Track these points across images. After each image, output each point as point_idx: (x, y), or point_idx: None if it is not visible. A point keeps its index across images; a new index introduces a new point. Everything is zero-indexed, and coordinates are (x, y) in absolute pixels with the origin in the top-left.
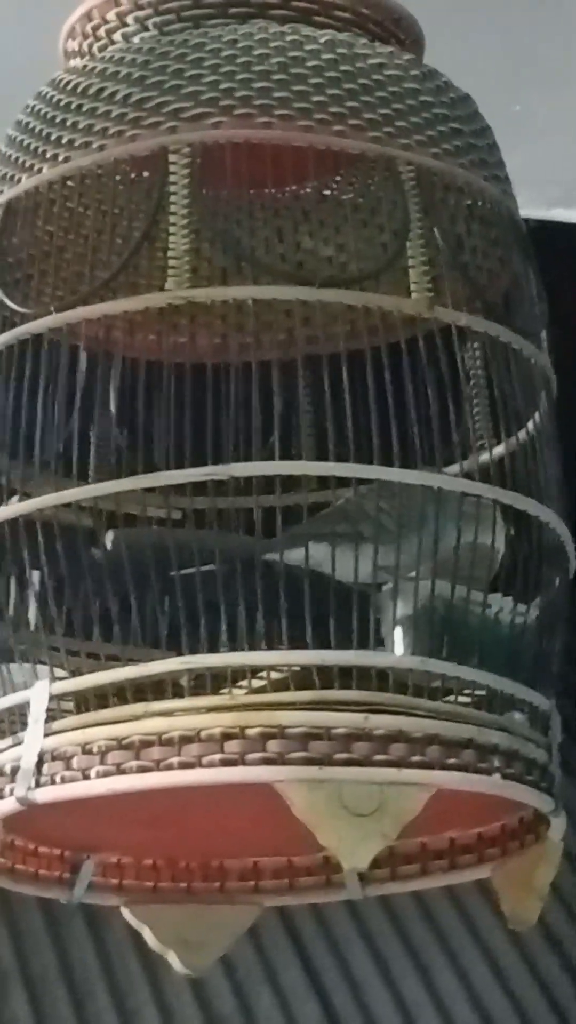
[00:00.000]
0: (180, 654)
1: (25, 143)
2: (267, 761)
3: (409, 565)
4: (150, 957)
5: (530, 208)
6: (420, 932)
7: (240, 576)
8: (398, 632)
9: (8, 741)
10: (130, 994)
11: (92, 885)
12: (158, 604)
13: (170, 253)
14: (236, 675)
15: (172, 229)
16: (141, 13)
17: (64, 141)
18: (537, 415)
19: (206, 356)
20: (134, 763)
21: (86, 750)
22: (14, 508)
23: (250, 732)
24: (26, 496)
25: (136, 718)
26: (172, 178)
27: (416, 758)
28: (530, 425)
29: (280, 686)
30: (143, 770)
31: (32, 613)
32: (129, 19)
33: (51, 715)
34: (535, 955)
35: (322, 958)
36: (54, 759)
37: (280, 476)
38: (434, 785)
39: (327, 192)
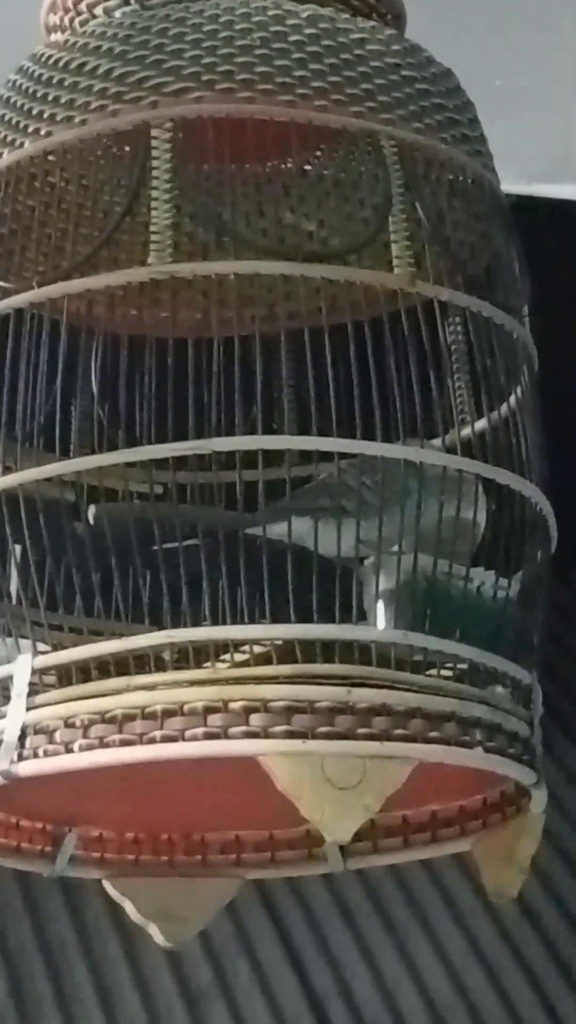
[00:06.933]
0: (162, 628)
1: (6, 117)
2: (250, 734)
3: (391, 539)
4: (128, 931)
5: (512, 183)
6: (398, 906)
7: (222, 550)
8: (380, 606)
9: None
10: (108, 968)
11: (74, 858)
12: (140, 578)
13: (152, 228)
14: (218, 649)
15: (154, 204)
16: None
17: (46, 116)
18: (519, 389)
19: (188, 331)
20: (117, 737)
21: (69, 724)
22: None
23: (233, 706)
24: (8, 470)
25: (119, 692)
26: (154, 153)
27: (399, 731)
28: (512, 399)
29: (263, 660)
30: (126, 743)
31: (14, 587)
32: None
33: (33, 689)
34: (512, 928)
35: (300, 931)
36: (36, 733)
37: (262, 450)
38: (416, 758)
39: (309, 167)
